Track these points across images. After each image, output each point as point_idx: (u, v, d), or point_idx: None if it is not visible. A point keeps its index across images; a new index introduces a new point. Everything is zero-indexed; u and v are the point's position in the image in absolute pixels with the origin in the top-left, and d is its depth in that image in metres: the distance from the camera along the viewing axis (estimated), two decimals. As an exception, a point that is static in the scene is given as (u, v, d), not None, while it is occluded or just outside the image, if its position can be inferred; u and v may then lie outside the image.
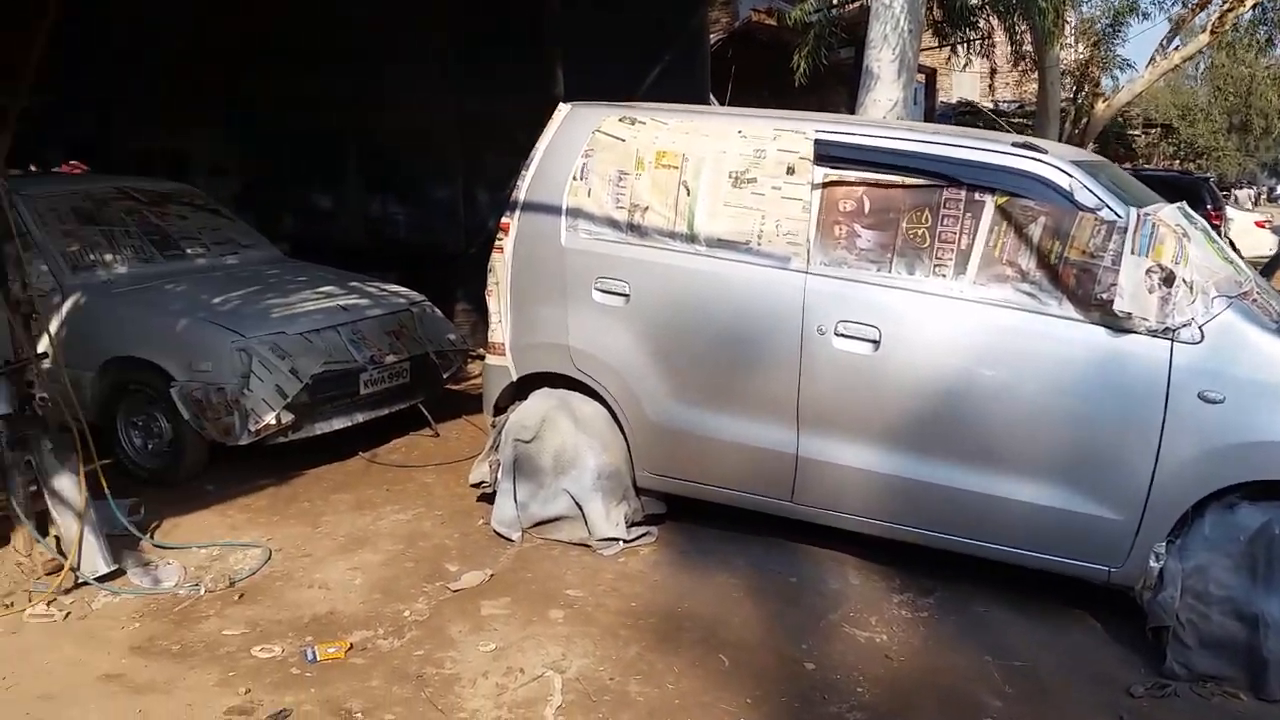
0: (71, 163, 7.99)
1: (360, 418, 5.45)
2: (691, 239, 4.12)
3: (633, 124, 4.27)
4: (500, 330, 4.61)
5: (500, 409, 4.75)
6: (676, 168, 4.13)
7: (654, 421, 4.29)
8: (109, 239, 5.56)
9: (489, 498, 4.76)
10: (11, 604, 3.79)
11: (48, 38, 4.16)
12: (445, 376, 6.08)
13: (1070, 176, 3.73)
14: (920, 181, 3.87)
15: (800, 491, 4.08)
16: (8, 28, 4.13)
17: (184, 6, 8.64)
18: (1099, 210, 3.63)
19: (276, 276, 5.86)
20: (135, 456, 5.14)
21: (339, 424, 5.32)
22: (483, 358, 6.94)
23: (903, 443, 3.90)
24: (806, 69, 9.26)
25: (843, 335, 3.89)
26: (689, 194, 4.11)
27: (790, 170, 3.98)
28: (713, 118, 4.30)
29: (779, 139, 4.02)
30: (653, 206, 4.19)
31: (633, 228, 4.24)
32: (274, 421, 4.86)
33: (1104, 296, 3.55)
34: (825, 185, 3.96)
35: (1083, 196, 3.68)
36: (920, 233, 3.86)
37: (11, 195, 4.10)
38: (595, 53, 7.09)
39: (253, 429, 4.81)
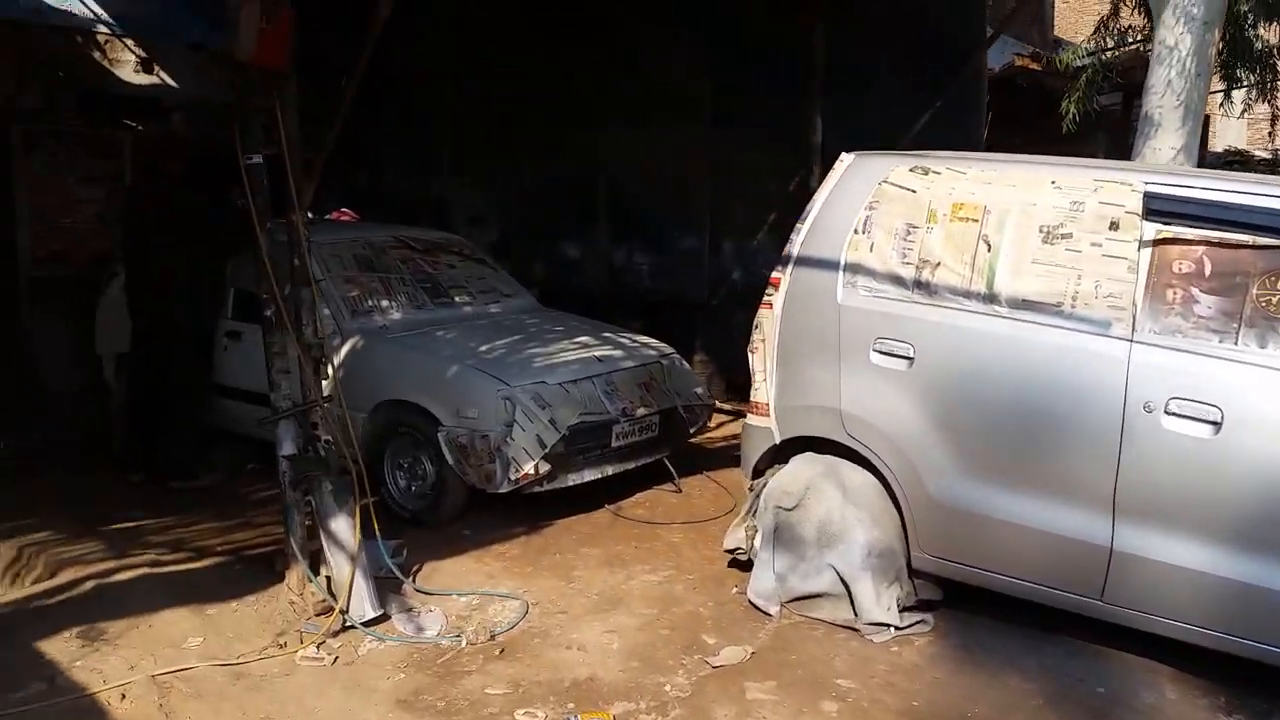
0: (343, 210, 8.52)
1: (610, 470, 5.37)
2: (990, 299, 3.74)
3: (925, 174, 3.96)
4: (764, 389, 4.37)
5: (759, 472, 4.51)
6: (976, 221, 3.78)
7: (936, 498, 3.91)
8: (385, 285, 5.81)
9: (742, 564, 4.53)
10: (284, 644, 3.88)
11: (353, 95, 4.38)
12: (692, 431, 5.92)
13: None
14: (1275, 241, 3.33)
15: (1113, 589, 3.56)
16: (321, 86, 4.38)
17: (449, 67, 9.13)
18: None
19: (536, 326, 5.93)
20: (399, 497, 5.26)
21: (590, 476, 5.25)
22: (729, 412, 6.79)
23: (1246, 542, 3.33)
24: (1076, 114, 8.62)
25: (1175, 414, 3.38)
26: (990, 249, 3.74)
27: (1114, 225, 3.54)
28: (1021, 167, 3.91)
29: (1100, 190, 3.59)
30: (945, 262, 3.85)
31: (920, 285, 3.91)
32: (532, 471, 4.84)
33: None
34: (1157, 243, 3.48)
35: None
36: (1274, 300, 3.31)
37: (310, 243, 4.28)
38: (857, 100, 6.83)
39: (513, 477, 4.80)
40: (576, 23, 8.25)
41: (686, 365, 6.06)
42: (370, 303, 5.68)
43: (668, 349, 6.04)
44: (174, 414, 5.79)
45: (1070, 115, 8.62)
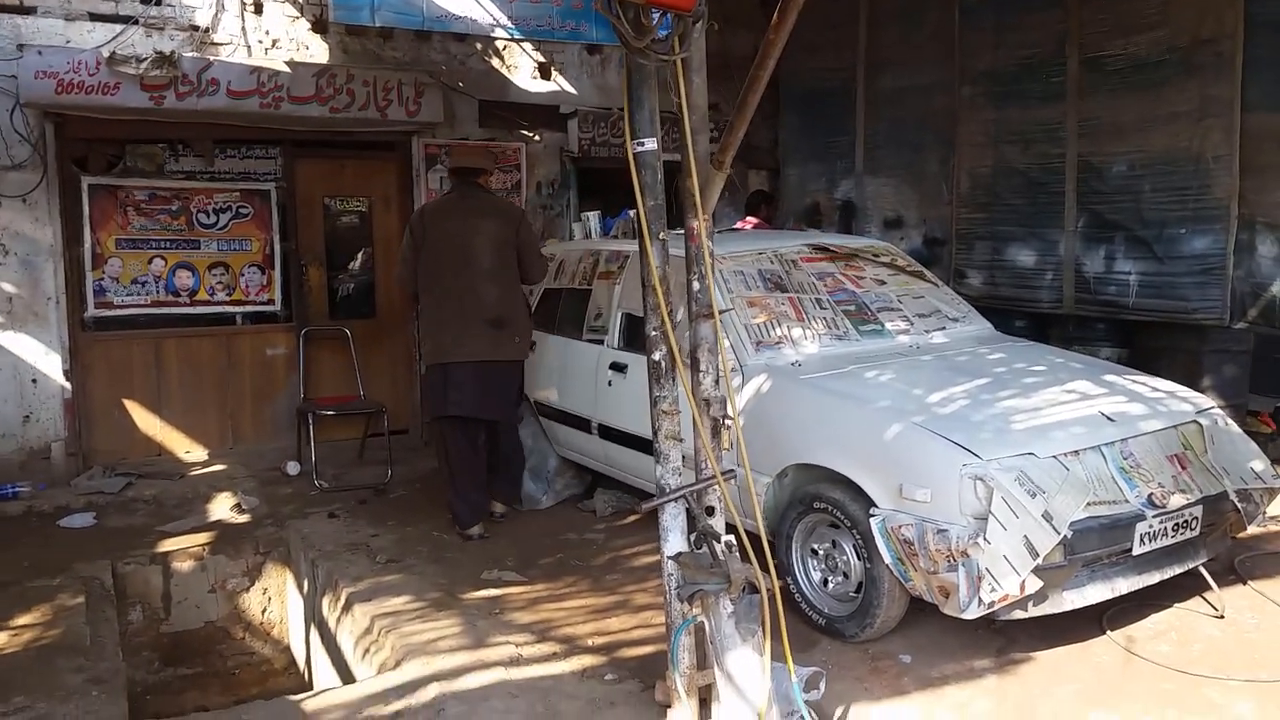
0: (748, 218, 7.44)
1: (1124, 587, 3.62)
2: None
3: None
4: None
5: None
6: None
7: None
8: (797, 309, 4.50)
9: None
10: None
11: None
12: (1249, 527, 3.97)
13: None
14: None
15: None
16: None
17: (858, 47, 7.76)
18: None
19: (1002, 363, 4.30)
20: (808, 592, 3.93)
21: (1095, 595, 3.55)
22: None
23: None
24: None
25: None
26: None
27: None
28: None
29: None
30: None
31: None
32: (1017, 591, 3.26)
33: None
34: None
35: None
36: None
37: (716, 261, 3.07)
38: None
39: (986, 599, 3.25)
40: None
41: (1235, 426, 4.10)
42: (779, 331, 4.40)
43: (1204, 401, 4.14)
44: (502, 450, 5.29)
45: None
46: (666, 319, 2.96)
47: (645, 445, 4.70)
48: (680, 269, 3.11)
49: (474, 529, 5.06)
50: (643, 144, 3.01)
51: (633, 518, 5.36)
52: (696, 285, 3.04)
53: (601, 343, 5.22)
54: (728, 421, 3.05)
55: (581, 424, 5.32)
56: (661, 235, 3.00)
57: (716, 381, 3.03)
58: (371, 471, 6.40)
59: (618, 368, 5.02)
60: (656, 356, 3.02)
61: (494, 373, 5.02)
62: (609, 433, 5.08)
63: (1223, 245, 5.56)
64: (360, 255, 7.58)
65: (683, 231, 3.11)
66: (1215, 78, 5.47)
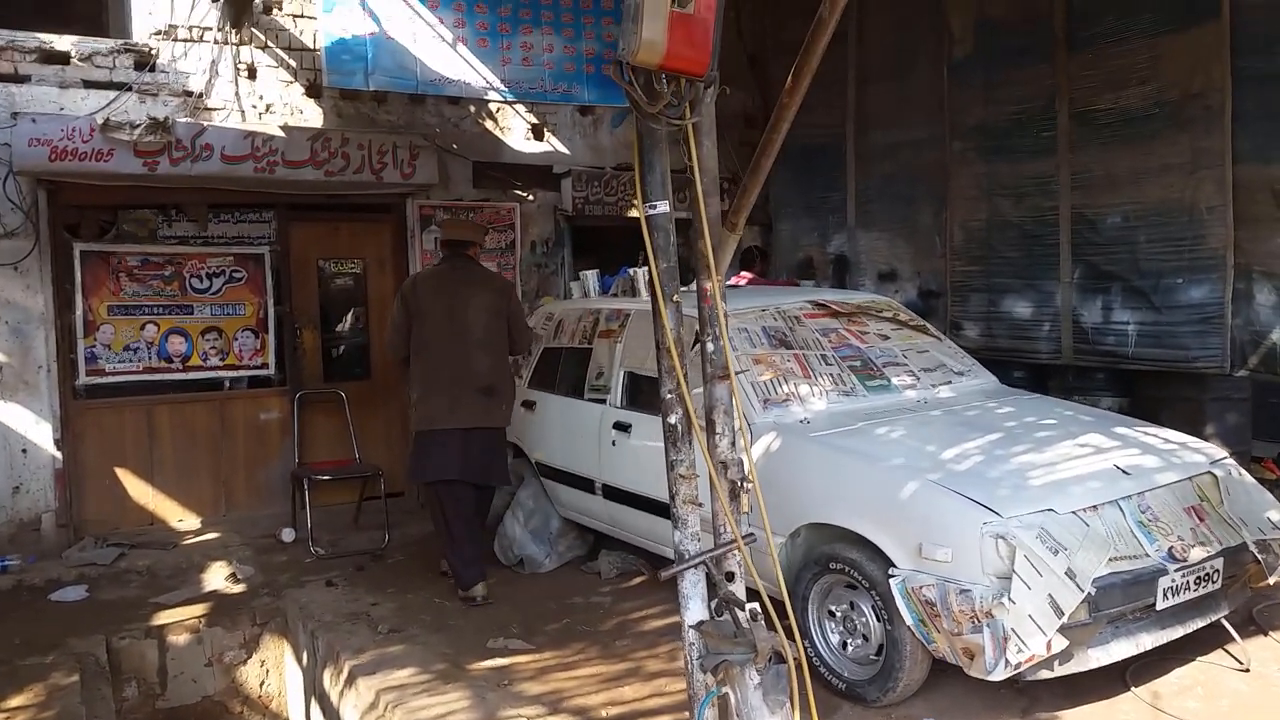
0: (742, 273, 7.45)
1: (1148, 642, 3.56)
2: None
3: None
4: None
5: None
6: None
7: None
8: (803, 365, 4.48)
9: None
10: None
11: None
12: (1270, 579, 3.91)
13: None
14: None
15: None
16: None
17: (849, 102, 7.86)
18: None
19: (1012, 417, 4.27)
20: (827, 656, 3.85)
21: (1120, 652, 3.49)
22: None
23: None
24: None
25: None
26: None
27: None
28: None
29: None
30: None
31: None
32: (1043, 650, 3.20)
33: None
34: None
35: None
36: None
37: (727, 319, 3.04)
38: None
39: (1013, 660, 3.18)
40: (1017, 29, 6.60)
41: (1249, 476, 4.08)
42: (786, 389, 4.37)
43: (1216, 451, 4.12)
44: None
45: None
46: (683, 382, 2.92)
47: (651, 505, 4.69)
48: (688, 330, 3.09)
49: (477, 588, 4.97)
50: (654, 207, 2.99)
51: (638, 579, 5.27)
52: (711, 346, 3.01)
53: (604, 402, 5.18)
54: (745, 484, 2.99)
55: (585, 484, 5.25)
56: (675, 298, 2.97)
57: (733, 443, 2.98)
58: (368, 536, 6.28)
59: (621, 427, 4.97)
60: (672, 420, 2.97)
61: (481, 438, 5.08)
62: (613, 493, 5.01)
63: (1220, 294, 5.59)
64: (353, 316, 7.53)
65: (688, 289, 3.09)
66: (1205, 131, 5.55)
